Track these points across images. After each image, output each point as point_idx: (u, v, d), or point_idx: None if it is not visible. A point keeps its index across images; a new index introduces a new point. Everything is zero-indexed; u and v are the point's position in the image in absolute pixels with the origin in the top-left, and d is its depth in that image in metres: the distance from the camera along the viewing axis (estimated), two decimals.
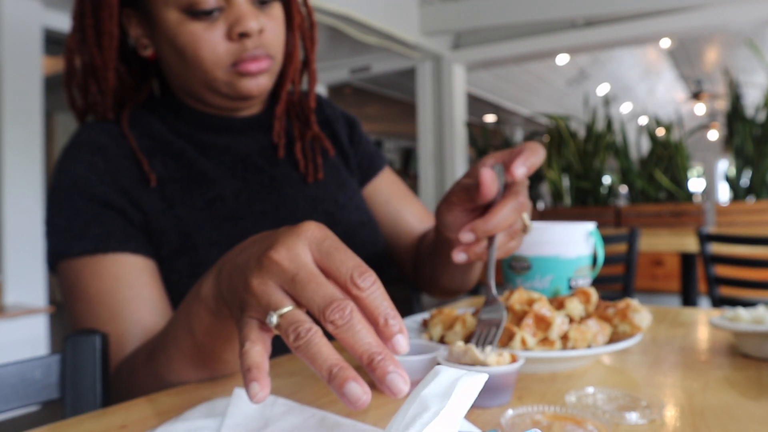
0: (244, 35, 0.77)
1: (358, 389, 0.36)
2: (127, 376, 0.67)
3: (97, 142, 0.80)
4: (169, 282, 0.77)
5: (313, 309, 0.40)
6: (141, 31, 0.82)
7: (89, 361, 0.63)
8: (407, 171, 11.59)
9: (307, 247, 0.43)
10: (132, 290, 0.72)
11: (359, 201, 0.97)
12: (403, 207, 1.04)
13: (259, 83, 0.81)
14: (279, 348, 0.75)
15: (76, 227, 0.74)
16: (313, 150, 0.94)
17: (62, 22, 3.97)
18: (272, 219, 0.84)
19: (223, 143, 0.87)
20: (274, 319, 0.41)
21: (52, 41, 4.89)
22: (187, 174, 0.82)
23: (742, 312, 0.71)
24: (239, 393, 0.50)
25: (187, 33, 0.77)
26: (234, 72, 0.79)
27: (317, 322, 0.40)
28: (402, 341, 0.40)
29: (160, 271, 0.77)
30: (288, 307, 0.41)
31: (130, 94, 0.87)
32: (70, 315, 0.74)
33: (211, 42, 0.77)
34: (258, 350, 0.41)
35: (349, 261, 0.42)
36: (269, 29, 0.80)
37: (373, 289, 0.41)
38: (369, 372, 0.38)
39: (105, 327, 0.71)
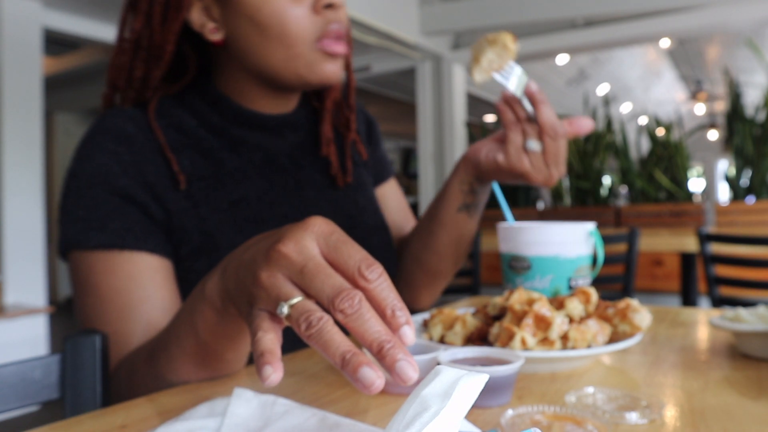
0: (329, 6, 0.76)
1: (372, 374, 0.37)
2: (127, 375, 0.67)
3: (123, 130, 0.77)
4: (186, 282, 0.76)
5: (323, 299, 0.40)
6: (207, 16, 0.79)
7: (89, 361, 0.63)
8: (407, 171, 11.59)
9: (314, 240, 0.43)
10: (145, 291, 0.71)
11: (376, 204, 0.97)
12: (404, 221, 1.04)
13: (338, 70, 0.80)
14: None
15: (94, 219, 0.72)
16: (343, 154, 0.94)
17: (62, 22, 3.97)
18: (294, 222, 0.83)
19: (255, 140, 0.85)
20: (285, 309, 0.41)
21: (52, 41, 4.89)
22: (215, 172, 0.80)
23: (742, 312, 0.71)
24: (239, 393, 0.50)
25: (271, 6, 0.75)
26: (318, 51, 0.77)
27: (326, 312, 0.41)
28: (409, 332, 0.40)
29: (178, 271, 0.76)
30: (298, 298, 0.41)
31: (162, 85, 0.84)
32: (79, 307, 0.73)
33: (296, 15, 0.75)
34: (270, 338, 0.41)
35: (356, 254, 0.42)
36: (344, 8, 0.79)
37: (380, 281, 0.41)
38: (379, 360, 0.38)
39: (114, 325, 0.70)
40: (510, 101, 0.77)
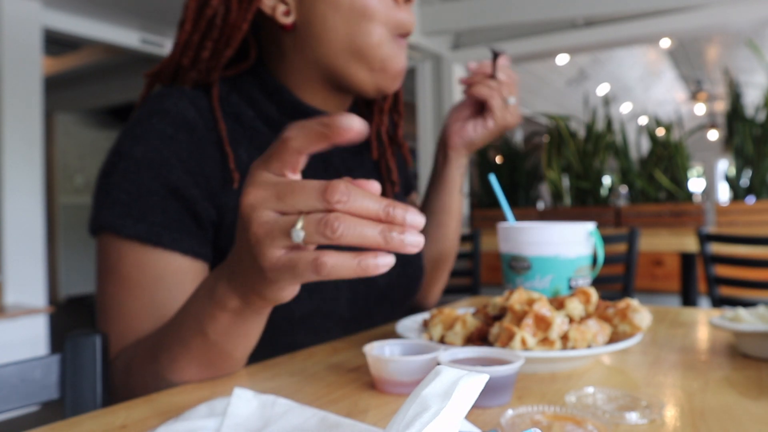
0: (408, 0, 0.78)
1: (414, 237, 0.40)
2: (124, 368, 0.66)
3: (183, 115, 0.73)
4: None
5: (315, 207, 0.41)
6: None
7: (89, 361, 0.63)
8: None
9: (266, 170, 0.45)
10: (170, 293, 0.69)
11: None
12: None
13: (405, 65, 0.81)
14: (278, 348, 0.75)
15: (135, 207, 0.69)
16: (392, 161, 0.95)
17: (62, 21, 3.97)
18: None
19: None
20: (300, 234, 0.41)
21: (52, 41, 4.88)
22: None
23: (742, 312, 0.71)
24: (239, 393, 0.50)
25: None
26: (395, 43, 0.78)
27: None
28: (413, 216, 0.41)
29: (218, 263, 0.74)
30: (300, 219, 0.42)
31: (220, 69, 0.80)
32: (101, 291, 0.71)
33: (383, 2, 0.76)
34: (335, 255, 0.42)
35: (312, 185, 0.42)
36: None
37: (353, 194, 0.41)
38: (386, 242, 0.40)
39: (130, 319, 0.69)
40: (473, 77, 0.88)
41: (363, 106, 0.94)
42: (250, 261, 0.46)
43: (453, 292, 2.61)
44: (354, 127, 0.41)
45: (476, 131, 0.89)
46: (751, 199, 3.73)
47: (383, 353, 0.59)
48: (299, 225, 0.41)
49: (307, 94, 0.81)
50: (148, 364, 0.63)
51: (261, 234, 0.43)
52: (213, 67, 0.77)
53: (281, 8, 0.76)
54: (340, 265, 0.41)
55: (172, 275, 0.69)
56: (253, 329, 0.56)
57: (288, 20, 0.76)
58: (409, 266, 0.91)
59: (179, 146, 0.71)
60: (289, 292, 0.49)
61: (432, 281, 1.02)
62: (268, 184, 0.44)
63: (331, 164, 0.85)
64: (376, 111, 0.91)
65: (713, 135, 8.99)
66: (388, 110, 0.94)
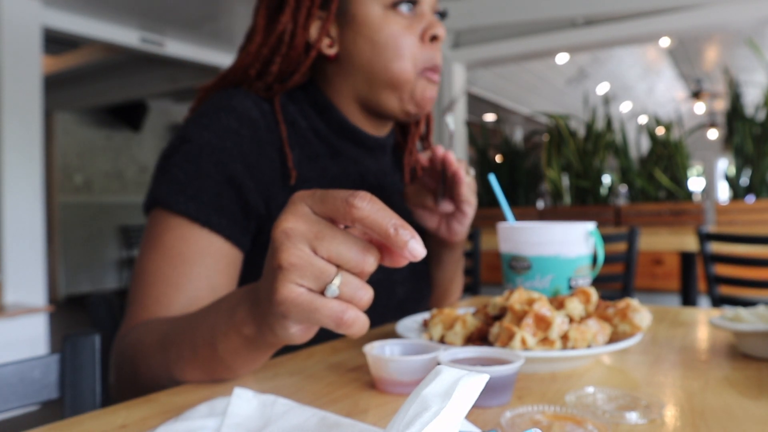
0: (435, 38, 0.85)
1: (417, 245, 0.41)
2: (135, 344, 0.66)
3: (248, 113, 0.80)
4: (256, 266, 0.78)
5: (351, 259, 0.42)
6: (323, 33, 0.83)
7: (88, 361, 0.63)
8: None
9: (308, 206, 0.44)
10: (207, 270, 0.73)
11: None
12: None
13: (434, 96, 0.87)
14: (283, 348, 0.75)
15: (191, 187, 0.74)
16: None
17: (62, 21, 3.97)
18: None
19: (352, 155, 0.90)
20: (335, 291, 0.42)
21: (52, 40, 4.88)
22: (318, 176, 0.84)
23: (742, 312, 0.71)
24: (239, 393, 0.50)
25: (389, 30, 0.83)
26: (423, 76, 0.85)
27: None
28: (417, 246, 0.41)
29: (253, 255, 0.79)
30: (338, 276, 0.42)
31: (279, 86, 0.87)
32: (142, 260, 0.74)
33: (410, 40, 0.83)
34: (358, 316, 0.43)
35: (340, 194, 0.42)
36: (442, 43, 0.88)
37: (371, 204, 0.41)
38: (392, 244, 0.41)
39: (164, 286, 0.71)
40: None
41: (399, 133, 1.02)
42: (268, 288, 0.46)
43: None
44: (415, 254, 0.41)
45: (462, 224, 0.88)
46: (750, 198, 3.73)
47: (383, 353, 0.59)
48: (336, 282, 0.42)
49: (349, 113, 0.89)
50: (158, 352, 0.63)
51: (287, 264, 0.43)
52: (280, 82, 0.85)
53: (326, 41, 0.85)
54: (358, 325, 0.43)
55: (211, 255, 0.73)
56: (260, 356, 0.56)
57: (331, 51, 0.85)
58: (422, 280, 0.97)
59: (242, 140, 0.77)
60: (297, 332, 0.48)
61: (442, 299, 1.06)
62: (309, 220, 0.43)
63: (366, 180, 0.90)
64: (410, 139, 0.99)
65: (713, 134, 8.99)
66: (419, 138, 1.01)
